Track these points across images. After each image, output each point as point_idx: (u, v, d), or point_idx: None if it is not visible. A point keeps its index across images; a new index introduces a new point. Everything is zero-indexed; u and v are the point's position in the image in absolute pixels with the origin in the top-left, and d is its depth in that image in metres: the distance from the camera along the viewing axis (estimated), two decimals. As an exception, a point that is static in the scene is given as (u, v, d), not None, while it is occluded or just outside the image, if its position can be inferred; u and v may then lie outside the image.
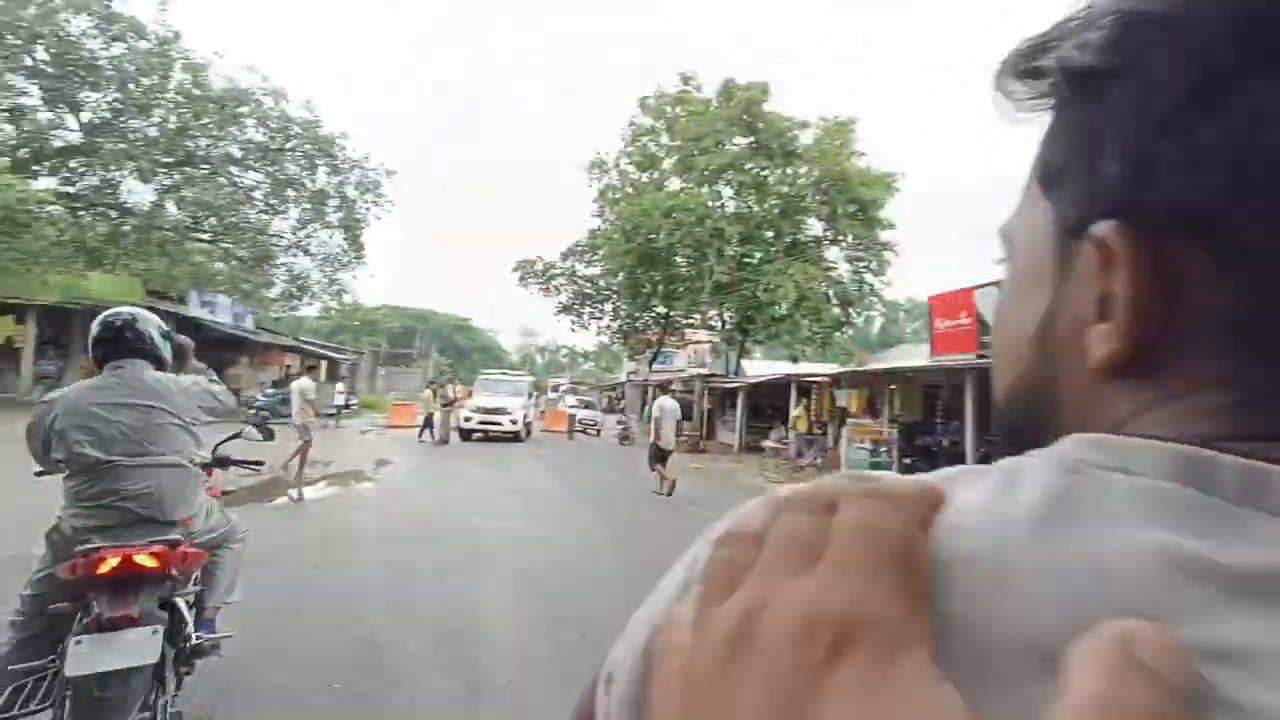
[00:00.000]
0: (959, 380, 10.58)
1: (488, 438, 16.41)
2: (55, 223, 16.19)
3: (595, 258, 26.27)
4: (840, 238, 22.41)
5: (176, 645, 2.28)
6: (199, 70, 18.55)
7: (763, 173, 22.24)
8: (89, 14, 16.19)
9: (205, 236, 20.53)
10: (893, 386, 12.79)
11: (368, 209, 23.14)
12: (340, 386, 20.90)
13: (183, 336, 2.88)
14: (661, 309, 26.13)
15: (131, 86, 17.26)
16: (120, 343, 2.26)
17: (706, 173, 21.47)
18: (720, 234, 20.17)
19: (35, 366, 15.63)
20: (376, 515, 7.04)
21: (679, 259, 22.07)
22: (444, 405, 15.24)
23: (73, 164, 18.33)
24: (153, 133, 17.98)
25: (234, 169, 20.24)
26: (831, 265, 22.86)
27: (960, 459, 10.52)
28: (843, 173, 20.51)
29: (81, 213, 17.63)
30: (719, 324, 22.67)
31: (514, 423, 16.34)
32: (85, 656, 1.74)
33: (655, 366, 28.57)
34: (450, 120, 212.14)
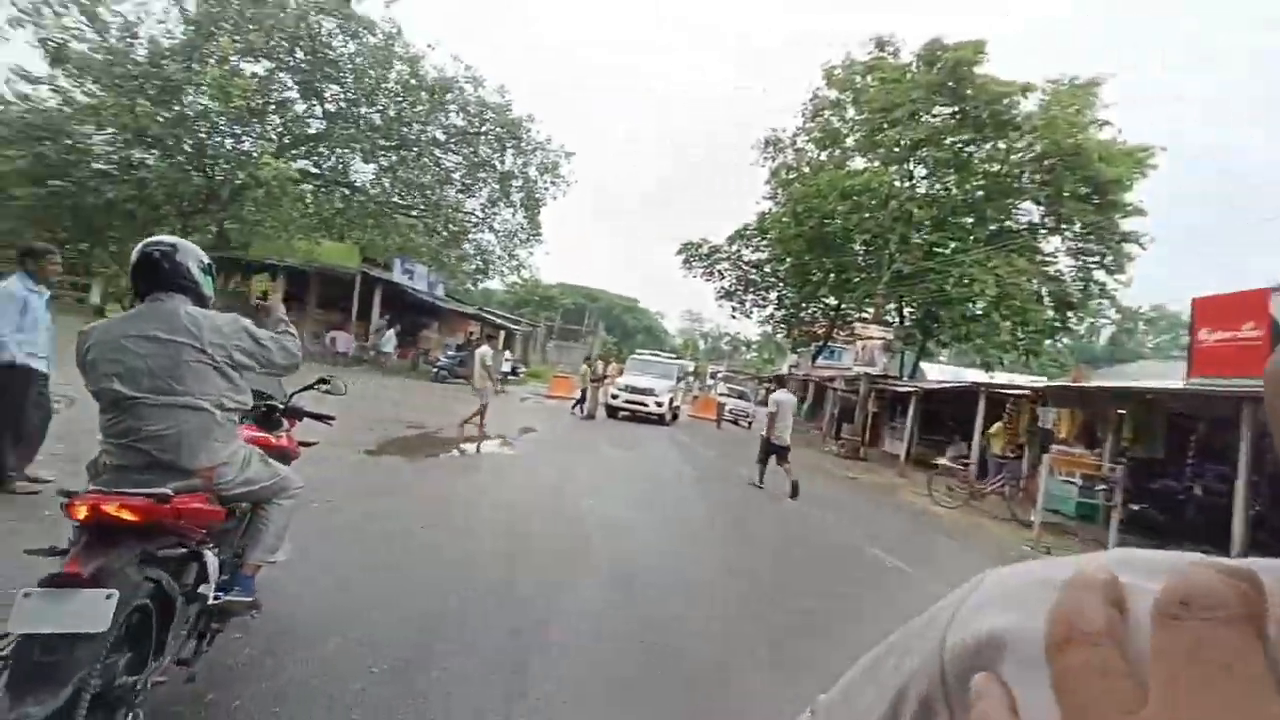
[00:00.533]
0: (1227, 411, 7.92)
1: (634, 417, 16.40)
2: (302, 198, 19.35)
3: (763, 242, 25.06)
4: (1064, 225, 18.63)
5: (197, 602, 2.11)
6: (415, 62, 20.74)
7: (966, 148, 19.21)
8: (333, 15, 18.74)
9: (413, 212, 23.25)
10: (1122, 411, 10.11)
11: (547, 189, 24.45)
12: (508, 354, 22.40)
13: (267, 291, 2.77)
14: (831, 300, 24.15)
15: (362, 78, 19.78)
16: (158, 274, 2.10)
17: (896, 150, 19.09)
18: (906, 218, 17.83)
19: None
20: (499, 483, 7.08)
21: (855, 245, 20.03)
22: (593, 381, 15.48)
23: (320, 149, 21.66)
24: (375, 119, 20.55)
25: (437, 151, 22.52)
26: (1049, 259, 19.15)
27: (1222, 513, 7.89)
28: (1076, 146, 16.90)
29: (321, 189, 20.89)
30: (896, 320, 20.24)
31: (659, 405, 16.12)
32: (27, 613, 1.53)
33: (820, 361, 26.63)
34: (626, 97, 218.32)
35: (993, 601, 0.27)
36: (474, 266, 24.76)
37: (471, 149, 22.90)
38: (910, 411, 14.80)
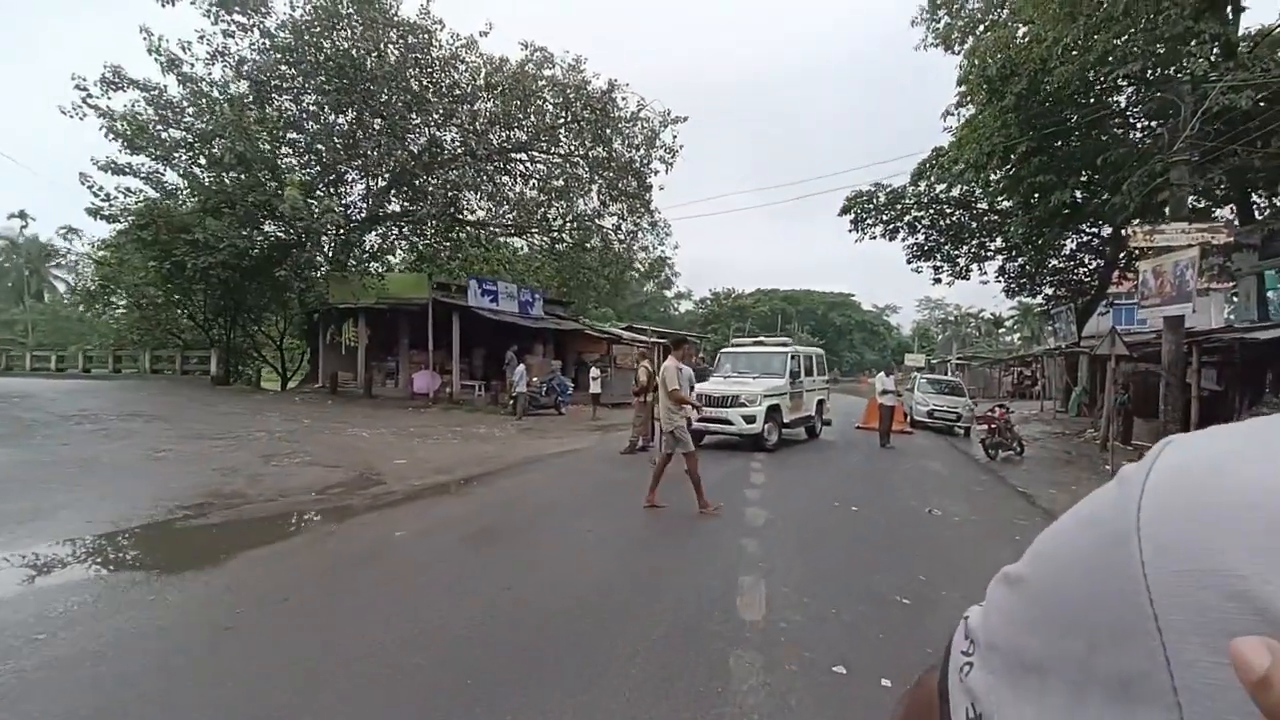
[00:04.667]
0: None
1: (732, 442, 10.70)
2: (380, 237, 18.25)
3: (961, 163, 16.83)
4: None
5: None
6: (471, 50, 18.45)
7: None
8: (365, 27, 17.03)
9: (510, 228, 21.10)
10: None
11: (648, 164, 20.19)
12: (595, 373, 17.32)
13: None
14: (1088, 226, 14.82)
15: (419, 92, 17.96)
16: None
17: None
18: (1213, 5, 8.98)
19: (370, 363, 17.83)
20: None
21: (1113, 100, 11.31)
22: (635, 394, 10.41)
23: (407, 186, 20.52)
24: (443, 137, 18.81)
25: (519, 156, 20.02)
26: None
27: None
28: None
29: (404, 226, 19.97)
30: (1233, 214, 10.69)
31: (748, 420, 10.14)
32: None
33: (1100, 323, 16.84)
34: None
35: (1212, 525, 0.23)
36: (590, 273, 21.47)
37: (553, 142, 19.87)
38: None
